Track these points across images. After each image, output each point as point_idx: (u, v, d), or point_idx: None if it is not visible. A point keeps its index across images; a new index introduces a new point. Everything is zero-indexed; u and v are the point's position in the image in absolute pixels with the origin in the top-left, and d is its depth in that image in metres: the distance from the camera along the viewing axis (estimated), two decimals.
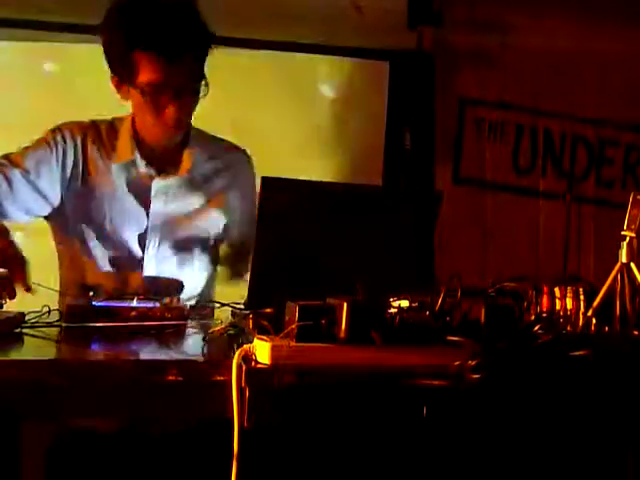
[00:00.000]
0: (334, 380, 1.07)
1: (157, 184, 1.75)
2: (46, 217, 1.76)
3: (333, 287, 1.17)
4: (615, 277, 1.29)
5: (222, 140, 1.87)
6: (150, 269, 1.75)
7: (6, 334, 1.23)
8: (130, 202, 1.74)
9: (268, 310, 1.24)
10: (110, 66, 1.62)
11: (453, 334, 1.14)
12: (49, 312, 1.39)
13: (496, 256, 2.87)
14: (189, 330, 1.37)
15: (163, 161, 1.76)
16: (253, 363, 1.06)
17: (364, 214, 1.43)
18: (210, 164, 1.81)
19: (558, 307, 1.26)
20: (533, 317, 1.25)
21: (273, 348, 1.06)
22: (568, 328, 1.21)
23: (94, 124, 1.76)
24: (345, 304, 1.08)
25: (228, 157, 1.84)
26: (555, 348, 1.11)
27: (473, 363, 1.05)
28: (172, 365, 1.05)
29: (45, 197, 1.70)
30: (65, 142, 1.71)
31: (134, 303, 1.42)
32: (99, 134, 1.74)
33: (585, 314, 1.24)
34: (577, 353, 1.10)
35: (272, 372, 1.05)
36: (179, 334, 1.34)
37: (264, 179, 1.37)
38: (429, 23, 2.92)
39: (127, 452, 1.20)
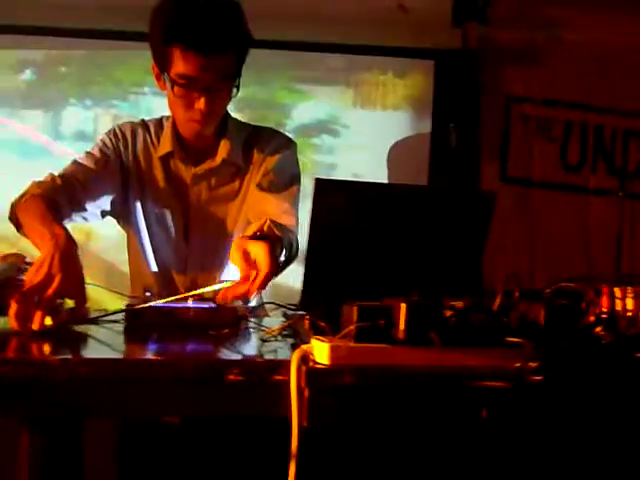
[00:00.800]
0: (393, 381, 1.07)
1: (193, 174, 1.79)
2: (116, 216, 1.84)
3: (384, 288, 1.17)
4: None
5: (263, 128, 1.89)
6: (194, 263, 1.79)
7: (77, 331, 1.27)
8: (171, 194, 1.79)
9: (322, 311, 1.25)
10: (152, 55, 1.68)
11: (511, 335, 1.13)
12: (107, 314, 1.42)
13: (545, 255, 2.82)
14: (244, 330, 1.39)
15: (199, 152, 1.80)
16: (312, 363, 1.07)
17: (416, 214, 1.42)
18: (251, 150, 1.81)
19: (618, 308, 1.24)
20: (593, 318, 1.23)
21: (332, 348, 1.06)
22: (630, 329, 1.19)
23: (144, 122, 1.85)
24: (404, 305, 1.08)
25: (271, 141, 1.83)
26: (619, 349, 1.09)
27: (534, 365, 1.04)
28: (233, 365, 1.07)
29: (108, 192, 1.78)
30: (119, 139, 1.80)
31: (190, 304, 1.44)
32: (148, 130, 1.83)
33: None
34: None
35: (331, 372, 1.05)
36: (235, 334, 1.35)
37: (317, 180, 1.37)
38: (474, 20, 2.89)
39: (187, 451, 1.22)
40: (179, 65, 1.61)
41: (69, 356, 1.11)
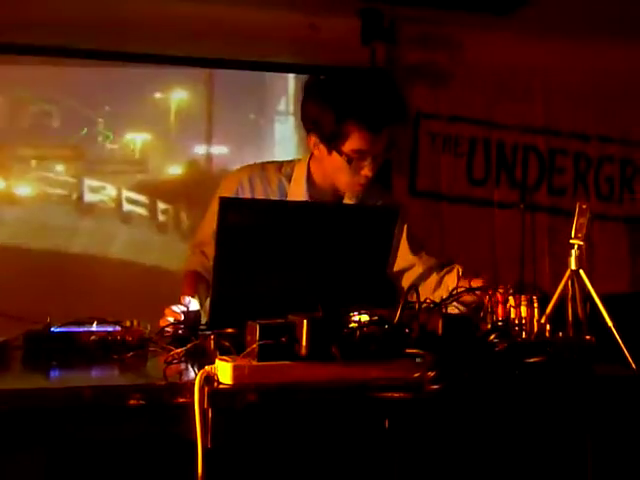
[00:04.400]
0: (295, 397, 1.08)
1: None
2: None
3: (292, 304, 1.18)
4: (566, 284, 1.33)
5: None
6: None
7: None
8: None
9: (230, 330, 1.24)
10: (316, 131, 1.76)
11: (412, 347, 1.16)
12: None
13: None
14: (150, 353, 1.36)
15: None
16: (215, 384, 1.06)
17: (322, 230, 1.44)
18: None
19: (513, 315, 1.29)
20: (489, 326, 1.28)
21: (235, 368, 1.06)
22: (523, 335, 1.25)
23: (263, 166, 1.89)
24: (305, 321, 1.09)
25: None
26: (510, 356, 1.14)
27: (432, 374, 1.07)
28: (134, 390, 1.05)
29: None
30: (242, 185, 1.84)
31: (94, 327, 1.40)
32: (265, 175, 1.86)
33: (539, 321, 1.28)
34: (532, 360, 1.13)
35: (234, 392, 1.05)
36: (140, 357, 1.32)
37: (220, 199, 1.38)
38: (382, 40, 2.97)
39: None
40: (354, 142, 1.71)
41: None
